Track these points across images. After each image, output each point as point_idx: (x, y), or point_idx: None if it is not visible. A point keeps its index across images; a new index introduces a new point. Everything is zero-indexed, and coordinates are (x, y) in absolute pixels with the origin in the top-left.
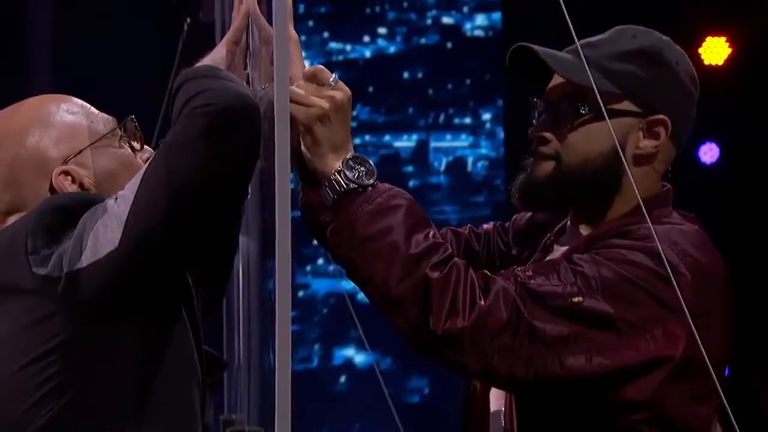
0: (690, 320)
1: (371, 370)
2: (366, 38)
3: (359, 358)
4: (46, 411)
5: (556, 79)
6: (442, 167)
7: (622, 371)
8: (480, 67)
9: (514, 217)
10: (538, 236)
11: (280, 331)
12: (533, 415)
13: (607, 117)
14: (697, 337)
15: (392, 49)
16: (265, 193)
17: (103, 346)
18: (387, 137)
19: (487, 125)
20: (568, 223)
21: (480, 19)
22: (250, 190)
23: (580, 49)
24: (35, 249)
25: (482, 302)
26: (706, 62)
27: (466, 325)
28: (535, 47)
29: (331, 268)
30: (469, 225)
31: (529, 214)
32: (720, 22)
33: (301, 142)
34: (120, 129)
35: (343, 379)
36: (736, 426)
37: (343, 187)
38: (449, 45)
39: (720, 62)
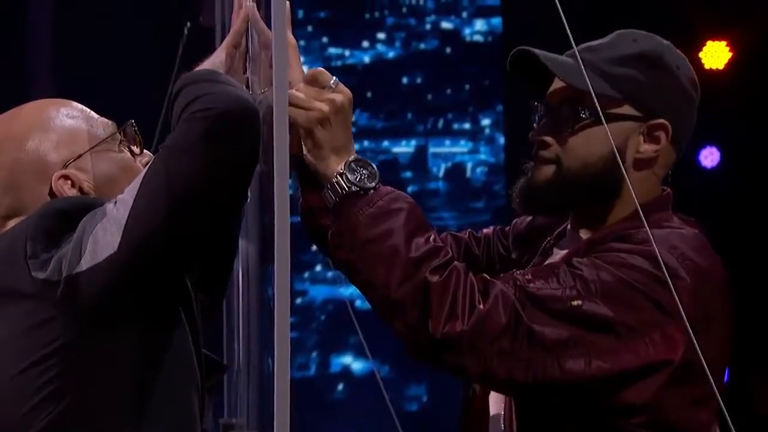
0: (688, 324)
1: (369, 378)
2: (365, 43)
3: (357, 365)
4: (46, 415)
5: (557, 83)
6: (441, 173)
7: (621, 375)
8: (479, 72)
9: (515, 221)
10: (538, 240)
11: (279, 334)
12: (532, 419)
13: (606, 121)
14: (695, 341)
15: (391, 55)
16: (265, 197)
17: (103, 350)
18: (386, 143)
19: (487, 131)
20: (568, 226)
21: (479, 25)
22: (249, 194)
23: (579, 54)
24: (35, 253)
25: (481, 306)
26: (707, 66)
27: (465, 329)
28: (536, 51)
29: (329, 274)
30: (469, 229)
31: (530, 217)
32: (720, 27)
33: (303, 146)
34: (120, 133)
35: (340, 386)
36: (733, 429)
37: (345, 189)
38: (448, 50)
39: (720, 66)
